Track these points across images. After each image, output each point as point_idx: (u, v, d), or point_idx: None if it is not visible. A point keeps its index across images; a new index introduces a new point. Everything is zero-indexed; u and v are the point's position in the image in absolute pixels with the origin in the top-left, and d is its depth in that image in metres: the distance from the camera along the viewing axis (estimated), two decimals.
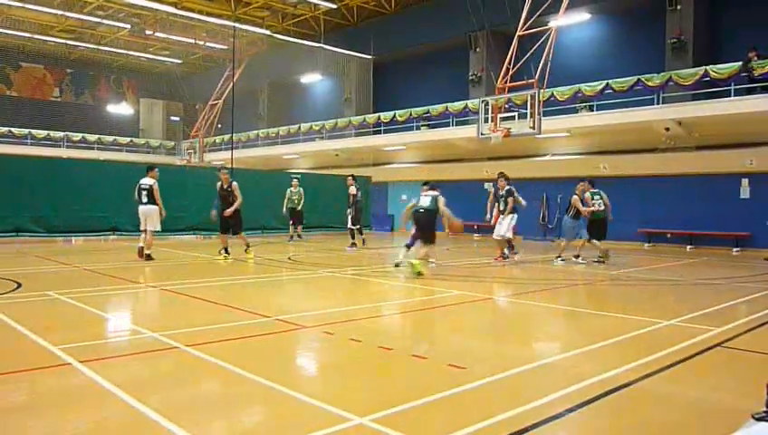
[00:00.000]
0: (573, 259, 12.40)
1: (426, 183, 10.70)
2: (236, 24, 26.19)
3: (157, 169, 11.80)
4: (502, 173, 12.72)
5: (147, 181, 11.44)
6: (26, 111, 34.63)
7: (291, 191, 17.46)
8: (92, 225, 16.81)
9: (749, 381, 4.09)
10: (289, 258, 12.78)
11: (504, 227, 12.26)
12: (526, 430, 3.14)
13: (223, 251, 11.96)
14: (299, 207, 17.39)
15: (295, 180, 17.75)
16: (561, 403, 3.57)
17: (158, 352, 4.77)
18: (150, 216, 11.36)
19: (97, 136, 35.41)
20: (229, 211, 11.70)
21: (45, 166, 17.00)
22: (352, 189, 15.38)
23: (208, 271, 10.60)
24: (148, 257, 11.35)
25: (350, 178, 15.79)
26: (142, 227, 11.55)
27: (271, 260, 12.40)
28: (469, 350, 5.13)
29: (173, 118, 42.23)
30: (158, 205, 11.33)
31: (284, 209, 17.41)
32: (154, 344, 4.95)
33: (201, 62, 37.22)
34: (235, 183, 11.88)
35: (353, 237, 15.57)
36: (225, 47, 30.00)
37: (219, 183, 11.95)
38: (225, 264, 11.45)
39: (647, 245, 18.28)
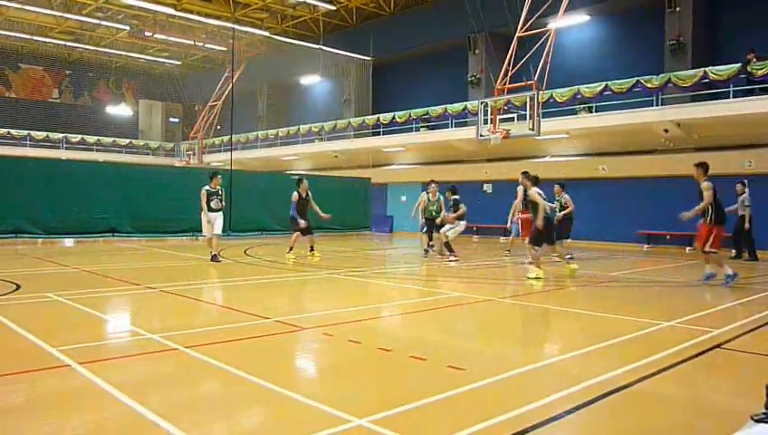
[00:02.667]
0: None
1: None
2: (235, 26, 26.19)
3: (219, 176, 11.99)
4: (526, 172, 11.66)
5: None
6: (25, 113, 34.63)
7: (428, 199, 13.77)
8: (91, 226, 16.82)
9: (748, 383, 4.09)
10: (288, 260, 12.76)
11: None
12: (526, 431, 3.14)
13: (309, 250, 12.99)
14: (438, 219, 13.53)
15: (434, 186, 13.88)
16: (561, 404, 3.57)
17: (158, 353, 4.76)
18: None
19: (96, 137, 35.40)
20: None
21: (44, 167, 17.00)
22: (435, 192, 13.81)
23: (207, 273, 10.58)
24: (212, 258, 11.59)
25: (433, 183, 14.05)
26: None
27: (272, 262, 12.39)
28: (469, 351, 5.13)
29: (172, 119, 42.20)
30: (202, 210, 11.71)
31: (413, 214, 14.39)
32: (153, 346, 4.94)
33: (200, 64, 37.22)
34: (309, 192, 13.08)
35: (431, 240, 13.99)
36: (225, 49, 30.01)
37: (296, 193, 12.65)
38: (317, 260, 12.58)
39: (646, 246, 18.27)
